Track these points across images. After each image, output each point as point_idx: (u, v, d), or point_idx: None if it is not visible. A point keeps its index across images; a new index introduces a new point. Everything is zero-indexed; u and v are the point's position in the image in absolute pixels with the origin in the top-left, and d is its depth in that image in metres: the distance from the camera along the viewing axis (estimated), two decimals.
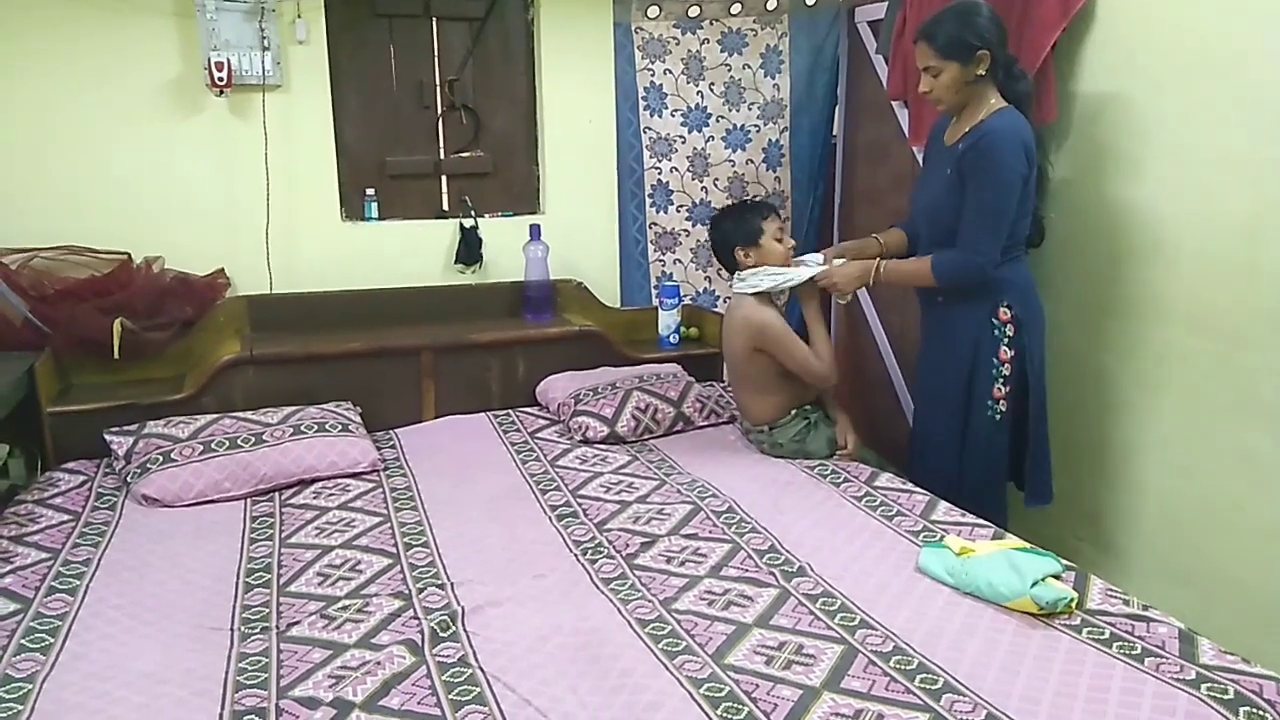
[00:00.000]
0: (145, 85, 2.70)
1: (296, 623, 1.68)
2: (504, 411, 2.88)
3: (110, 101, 2.67)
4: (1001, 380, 2.25)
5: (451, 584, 1.82)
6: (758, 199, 2.73)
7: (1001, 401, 2.26)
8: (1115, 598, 1.70)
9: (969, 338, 2.27)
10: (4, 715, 1.40)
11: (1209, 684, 1.42)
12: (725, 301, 3.51)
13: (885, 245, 2.53)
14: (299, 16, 2.79)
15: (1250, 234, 2.05)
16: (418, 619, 1.68)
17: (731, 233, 2.50)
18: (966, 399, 2.30)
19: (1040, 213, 2.35)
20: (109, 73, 2.65)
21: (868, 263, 2.37)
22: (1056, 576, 1.72)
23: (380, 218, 3.05)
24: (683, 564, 1.89)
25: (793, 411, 2.51)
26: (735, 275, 2.53)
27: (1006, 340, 2.24)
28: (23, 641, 1.61)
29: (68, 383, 2.62)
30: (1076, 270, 2.49)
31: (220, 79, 2.64)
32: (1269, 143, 1.99)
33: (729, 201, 3.42)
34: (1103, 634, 1.59)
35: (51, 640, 1.62)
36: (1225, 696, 1.39)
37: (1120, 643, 1.55)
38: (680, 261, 3.44)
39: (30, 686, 1.47)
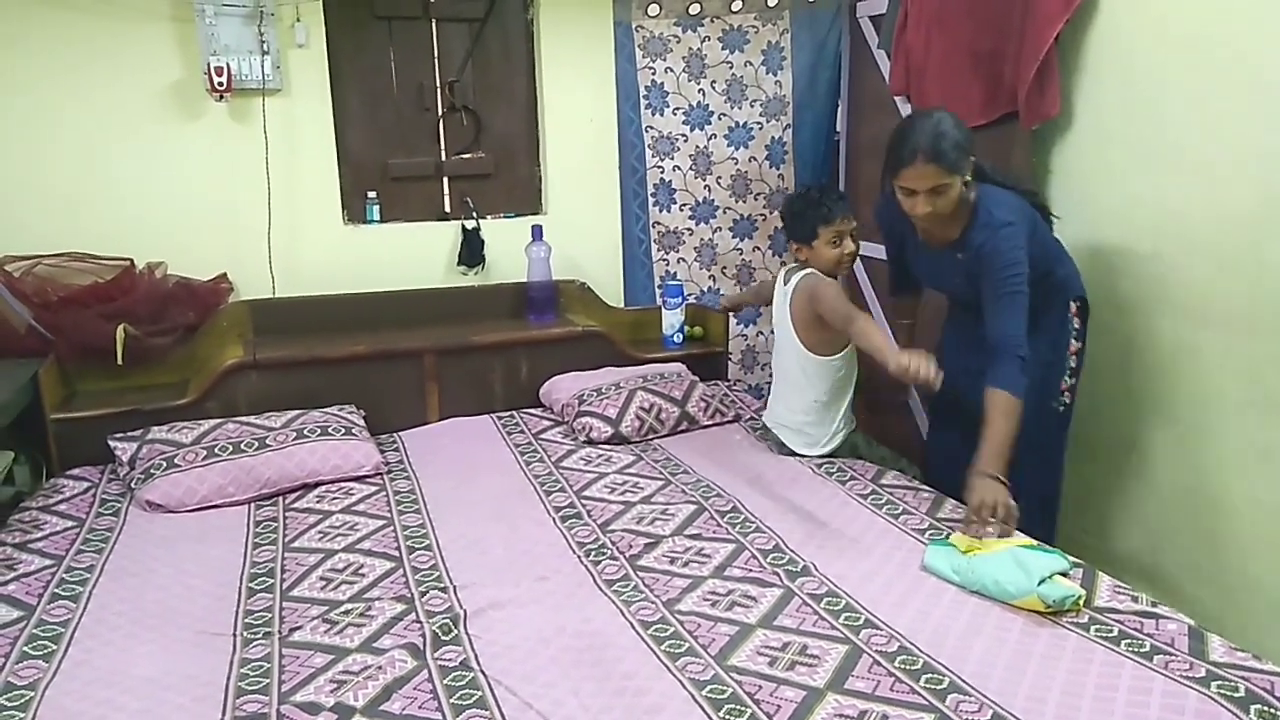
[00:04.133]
0: (145, 91, 2.70)
1: (299, 627, 1.67)
2: (507, 413, 2.87)
3: (111, 108, 2.67)
4: (1069, 373, 2.25)
5: (454, 587, 1.81)
6: (830, 192, 2.49)
7: (1066, 394, 2.26)
8: (1124, 595, 1.68)
9: (1047, 341, 2.20)
10: None
11: (1219, 681, 1.40)
12: None
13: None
14: (298, 20, 2.79)
15: (1258, 225, 2.02)
16: (420, 623, 1.67)
17: (790, 223, 2.48)
18: (1038, 399, 2.16)
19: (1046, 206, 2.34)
20: (109, 79, 2.66)
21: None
22: (1064, 574, 1.71)
23: (382, 220, 3.04)
24: (686, 565, 1.88)
25: None
26: (794, 263, 2.50)
27: (1075, 333, 2.24)
28: (25, 649, 1.61)
29: (72, 389, 2.62)
30: (1083, 264, 2.46)
31: (220, 84, 2.65)
32: (1276, 133, 1.97)
33: (733, 200, 3.42)
34: (1111, 632, 1.57)
35: (55, 647, 1.62)
36: (1236, 694, 1.37)
37: (1129, 640, 1.54)
38: (684, 260, 3.43)
39: (33, 694, 1.47)
